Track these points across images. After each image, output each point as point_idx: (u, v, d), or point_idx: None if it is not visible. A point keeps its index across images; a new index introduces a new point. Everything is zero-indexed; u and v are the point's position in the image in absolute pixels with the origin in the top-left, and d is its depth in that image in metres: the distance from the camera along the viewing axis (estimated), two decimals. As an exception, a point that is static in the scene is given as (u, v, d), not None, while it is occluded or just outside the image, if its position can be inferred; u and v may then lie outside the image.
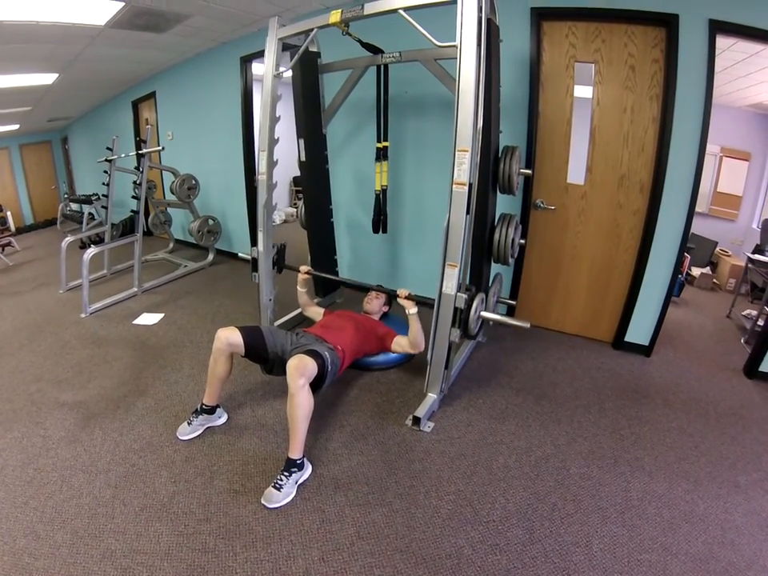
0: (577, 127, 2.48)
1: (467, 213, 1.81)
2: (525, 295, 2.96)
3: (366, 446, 1.91)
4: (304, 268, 2.62)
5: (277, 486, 1.62)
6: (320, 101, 2.79)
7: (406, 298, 2.16)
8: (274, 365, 2.04)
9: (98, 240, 4.79)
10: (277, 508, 1.59)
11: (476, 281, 2.41)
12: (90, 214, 5.35)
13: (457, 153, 1.74)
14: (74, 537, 1.50)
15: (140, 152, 3.41)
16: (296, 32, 2.16)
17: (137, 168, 3.52)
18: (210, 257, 4.65)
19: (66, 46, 3.24)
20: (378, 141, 2.62)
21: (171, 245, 5.18)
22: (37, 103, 5.03)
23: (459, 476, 1.76)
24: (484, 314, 2.04)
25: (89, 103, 6.03)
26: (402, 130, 3.04)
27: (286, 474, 1.64)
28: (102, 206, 4.08)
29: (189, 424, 2.00)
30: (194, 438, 1.99)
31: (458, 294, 1.89)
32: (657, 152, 2.32)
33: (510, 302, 2.71)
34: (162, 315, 3.39)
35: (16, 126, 6.52)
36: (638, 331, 2.66)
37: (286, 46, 2.35)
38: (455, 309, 1.91)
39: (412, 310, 2.15)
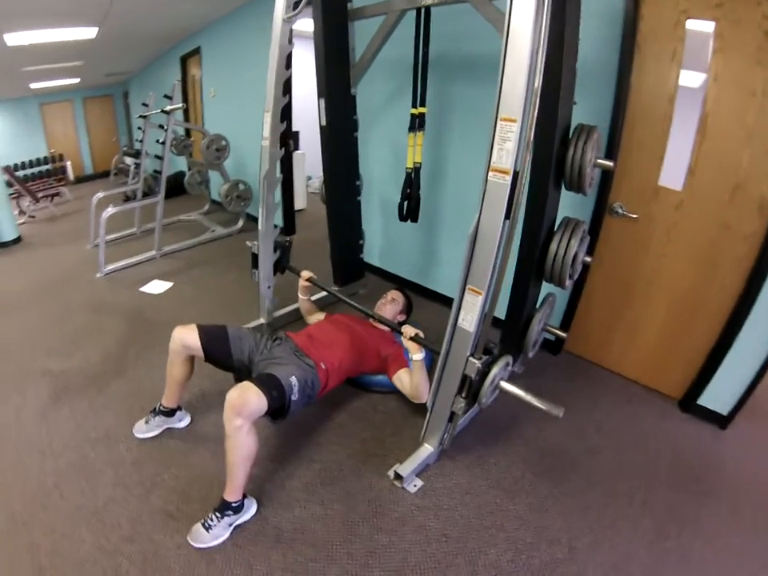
0: (681, 110, 1.93)
1: (506, 216, 1.36)
2: (580, 323, 2.51)
3: (331, 496, 1.69)
4: (305, 274, 2.43)
5: (206, 525, 1.49)
6: (348, 54, 2.48)
7: (411, 339, 1.87)
8: (242, 374, 1.85)
9: (145, 194, 4.94)
10: (202, 549, 1.46)
11: (517, 305, 2.04)
12: (136, 166, 5.58)
13: (499, 123, 1.29)
14: (10, 521, 1.56)
15: (165, 110, 3.35)
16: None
17: (161, 126, 3.48)
18: (240, 223, 4.63)
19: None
20: (414, 106, 2.27)
21: (207, 206, 5.26)
22: (87, 58, 5.28)
23: (431, 566, 1.46)
24: (505, 385, 1.63)
25: (142, 58, 6.26)
26: (448, 94, 2.66)
27: (218, 515, 1.49)
28: (135, 163, 4.17)
29: (146, 423, 1.95)
30: (151, 437, 1.93)
31: (470, 358, 1.52)
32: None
33: (559, 332, 2.21)
34: (170, 285, 3.42)
35: (77, 80, 7.01)
36: (717, 395, 2.11)
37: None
38: (464, 376, 1.55)
39: (416, 356, 1.87)
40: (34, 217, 5.49)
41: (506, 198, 1.33)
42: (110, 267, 3.60)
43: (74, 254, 4.12)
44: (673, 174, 2.02)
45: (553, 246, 1.84)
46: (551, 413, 1.52)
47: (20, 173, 7.13)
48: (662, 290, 2.19)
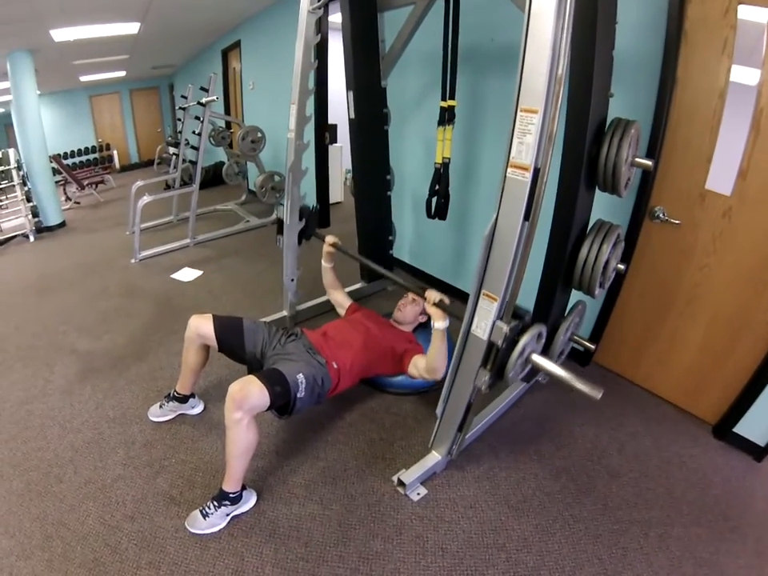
0: (732, 106, 1.79)
1: (525, 218, 1.28)
2: (612, 334, 2.40)
3: (331, 495, 1.70)
4: (330, 238, 2.35)
5: (204, 512, 1.54)
6: (378, 45, 2.47)
7: (435, 305, 1.75)
8: (254, 367, 1.90)
9: (184, 183, 5.18)
10: (197, 535, 1.52)
11: (543, 311, 1.94)
12: (174, 155, 5.85)
13: (519, 114, 1.22)
14: (26, 488, 1.70)
15: (200, 101, 3.50)
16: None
17: (197, 118, 3.63)
18: (274, 215, 4.73)
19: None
20: (443, 98, 2.23)
21: (244, 196, 5.45)
22: (132, 52, 5.61)
23: (422, 579, 1.44)
24: (537, 359, 1.49)
25: (185, 52, 6.58)
26: (481, 87, 2.61)
27: (215, 503, 1.54)
28: (174, 153, 4.38)
29: (160, 407, 2.04)
30: (164, 421, 2.03)
31: (498, 322, 1.40)
32: None
33: (587, 344, 2.07)
34: (200, 273, 3.56)
35: (123, 73, 7.49)
36: (756, 424, 1.94)
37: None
38: (490, 344, 1.44)
39: (439, 323, 1.74)
40: (79, 203, 5.91)
41: (526, 197, 1.25)
42: (145, 253, 3.80)
43: (112, 239, 4.38)
44: (721, 177, 1.87)
45: (583, 251, 1.73)
46: (589, 394, 1.39)
47: (69, 161, 7.70)
48: (702, 304, 2.05)
